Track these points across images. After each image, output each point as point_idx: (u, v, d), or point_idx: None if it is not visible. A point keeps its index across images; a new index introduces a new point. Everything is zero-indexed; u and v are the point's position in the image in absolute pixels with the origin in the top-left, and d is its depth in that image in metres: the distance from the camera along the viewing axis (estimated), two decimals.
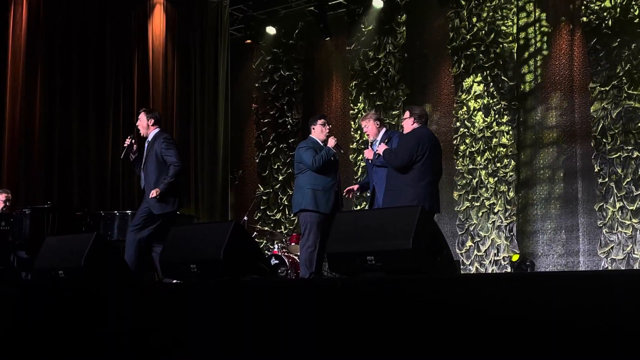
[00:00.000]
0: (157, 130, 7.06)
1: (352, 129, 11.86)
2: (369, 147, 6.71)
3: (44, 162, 10.58)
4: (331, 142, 6.71)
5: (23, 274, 8.10)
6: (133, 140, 7.01)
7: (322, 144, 6.80)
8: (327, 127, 6.90)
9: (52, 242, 5.48)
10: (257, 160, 12.91)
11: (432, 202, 6.06)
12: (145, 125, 7.04)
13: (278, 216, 12.46)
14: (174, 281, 5.13)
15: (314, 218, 6.57)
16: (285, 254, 9.29)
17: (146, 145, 7.03)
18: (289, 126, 12.63)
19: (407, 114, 6.38)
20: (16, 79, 10.35)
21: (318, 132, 6.86)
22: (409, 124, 6.32)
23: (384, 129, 6.75)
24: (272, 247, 10.42)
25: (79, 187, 10.93)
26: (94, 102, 11.20)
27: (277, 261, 9.16)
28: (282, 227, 12.34)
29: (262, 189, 12.59)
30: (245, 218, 10.06)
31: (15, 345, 4.84)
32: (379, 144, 6.52)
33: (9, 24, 10.37)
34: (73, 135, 10.91)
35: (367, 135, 6.77)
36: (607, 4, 9.81)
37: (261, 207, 12.59)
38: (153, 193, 6.66)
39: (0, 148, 10.11)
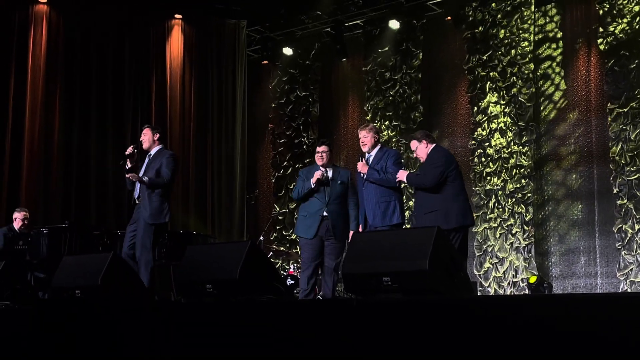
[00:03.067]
0: (161, 146, 7.21)
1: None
2: (362, 159, 6.56)
3: (62, 181, 10.66)
4: (315, 176, 6.69)
5: (40, 293, 8.11)
6: (136, 150, 7.07)
7: (321, 169, 6.77)
8: (324, 154, 6.80)
9: (69, 261, 5.50)
10: (273, 180, 12.94)
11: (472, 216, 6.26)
12: (150, 139, 7.15)
13: (294, 236, 12.44)
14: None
15: (301, 242, 6.85)
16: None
17: (147, 159, 7.12)
18: (304, 146, 12.66)
19: (414, 143, 6.36)
20: (35, 98, 10.46)
21: (317, 158, 6.86)
22: (423, 149, 6.29)
23: (379, 145, 6.68)
24: (287, 267, 10.41)
25: (97, 206, 11.00)
26: (112, 121, 11.28)
27: (292, 281, 9.15)
28: (298, 247, 12.31)
29: (277, 209, 12.59)
30: (261, 238, 10.06)
31: None
32: (372, 158, 6.54)
33: (29, 44, 10.51)
34: (91, 154, 10.99)
35: (363, 145, 6.64)
36: (625, 25, 9.79)
37: (277, 227, 12.58)
38: (136, 177, 6.80)
39: (19, 167, 10.20)
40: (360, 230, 6.56)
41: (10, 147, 10.20)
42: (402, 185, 6.74)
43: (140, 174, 6.94)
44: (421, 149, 6.28)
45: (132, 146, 7.12)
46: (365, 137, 6.63)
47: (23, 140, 10.29)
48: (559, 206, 10.26)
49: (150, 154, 7.11)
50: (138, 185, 6.93)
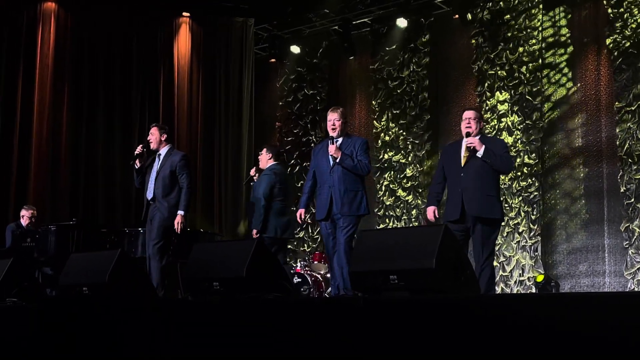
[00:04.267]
0: (169, 146, 7.28)
1: (375, 148, 11.85)
2: (334, 142, 6.24)
3: (70, 179, 10.70)
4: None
5: (48, 290, 8.15)
6: (145, 150, 7.14)
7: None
8: (263, 155, 7.49)
9: (76, 259, 5.52)
10: None
11: None
12: (158, 139, 7.19)
13: (301, 234, 12.46)
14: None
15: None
16: (308, 272, 9.28)
17: (158, 159, 7.17)
18: (312, 144, 12.66)
19: (473, 113, 6.02)
20: (43, 97, 10.50)
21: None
22: (478, 126, 6.00)
23: (346, 132, 6.46)
24: (294, 265, 10.42)
25: (104, 204, 11.03)
26: (120, 120, 11.32)
27: (299, 279, 9.15)
28: (305, 245, 12.33)
29: None
30: None
31: None
32: (340, 144, 6.26)
33: (37, 43, 10.53)
34: (99, 152, 11.03)
35: (333, 129, 6.33)
36: (634, 24, 9.76)
37: None
38: (178, 219, 6.92)
39: (27, 165, 10.24)
40: (302, 216, 6.41)
41: (19, 145, 10.24)
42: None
43: (153, 175, 7.03)
44: (474, 124, 5.96)
45: (140, 146, 7.18)
46: (337, 121, 6.36)
47: (31, 138, 10.33)
48: (566, 205, 10.22)
49: (160, 154, 7.15)
50: (152, 185, 7.03)
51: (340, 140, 6.34)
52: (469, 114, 6.04)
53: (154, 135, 7.19)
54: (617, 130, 9.76)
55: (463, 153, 5.97)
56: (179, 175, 7.02)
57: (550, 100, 10.51)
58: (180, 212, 6.92)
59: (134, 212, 11.08)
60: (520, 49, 10.63)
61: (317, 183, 6.45)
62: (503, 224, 10.38)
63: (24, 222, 9.08)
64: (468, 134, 5.94)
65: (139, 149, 7.12)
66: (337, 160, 6.19)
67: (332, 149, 6.21)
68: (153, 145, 7.17)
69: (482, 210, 5.79)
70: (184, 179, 7.03)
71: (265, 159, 7.81)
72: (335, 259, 6.22)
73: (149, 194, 7.03)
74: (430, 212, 6.08)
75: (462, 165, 5.91)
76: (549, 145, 10.45)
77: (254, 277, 4.34)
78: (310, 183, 6.49)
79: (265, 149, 7.93)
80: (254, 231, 7.43)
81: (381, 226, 11.51)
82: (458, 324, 3.28)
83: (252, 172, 7.94)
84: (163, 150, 7.17)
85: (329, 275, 9.59)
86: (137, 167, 7.14)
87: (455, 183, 5.92)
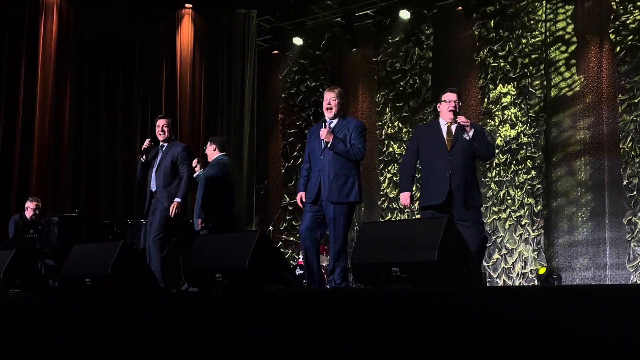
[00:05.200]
0: (172, 137, 7.35)
1: (378, 141, 11.85)
2: (325, 126, 5.89)
3: (72, 171, 10.70)
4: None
5: (50, 281, 8.17)
6: (152, 144, 7.17)
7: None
8: (208, 148, 7.52)
9: (79, 250, 5.53)
10: (283, 171, 12.95)
11: None
12: (168, 131, 7.23)
13: None
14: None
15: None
16: None
17: (160, 150, 7.20)
18: None
19: (456, 96, 5.83)
20: (46, 89, 10.49)
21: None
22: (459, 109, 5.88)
23: (342, 113, 6.08)
24: (297, 257, 10.43)
25: (107, 195, 11.04)
26: (122, 111, 11.32)
27: (302, 271, 9.16)
28: None
29: (287, 199, 12.60)
30: (271, 228, 10.08)
31: (41, 351, 4.87)
32: (334, 126, 5.94)
33: (39, 34, 10.51)
34: (101, 144, 11.03)
35: (329, 109, 5.97)
36: (637, 16, 9.73)
37: (287, 217, 12.60)
38: (174, 204, 6.92)
39: (30, 157, 10.24)
40: (302, 200, 6.02)
41: (21, 136, 10.23)
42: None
43: (155, 166, 7.08)
44: (458, 106, 5.84)
45: (148, 140, 7.20)
46: (334, 100, 5.98)
47: (33, 130, 10.32)
48: (568, 198, 10.22)
49: (163, 146, 7.21)
50: (154, 178, 7.07)
51: (334, 122, 5.99)
52: (451, 96, 5.85)
53: (167, 127, 7.21)
54: (620, 123, 9.74)
55: (446, 136, 5.79)
56: (180, 165, 7.07)
57: (553, 92, 10.50)
58: (177, 199, 6.94)
59: (136, 204, 11.09)
60: (524, 41, 10.60)
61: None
62: (505, 216, 10.41)
63: (28, 213, 9.10)
64: (456, 114, 5.78)
65: (146, 143, 7.15)
66: (329, 145, 5.86)
67: (323, 132, 5.87)
68: (161, 137, 7.19)
69: (471, 197, 5.70)
70: (185, 169, 7.07)
71: (211, 151, 7.79)
72: (331, 253, 5.93)
73: (153, 187, 7.06)
74: (406, 197, 5.88)
75: (449, 148, 5.73)
76: (551, 138, 10.44)
77: (256, 269, 4.35)
78: (307, 165, 6.16)
79: (209, 142, 7.90)
80: (199, 220, 7.44)
81: (385, 218, 11.51)
82: (460, 316, 3.28)
83: (194, 163, 7.87)
84: (166, 142, 7.21)
85: None
86: (143, 161, 7.16)
87: (440, 166, 5.71)
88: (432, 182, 5.76)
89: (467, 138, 5.69)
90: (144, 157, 7.18)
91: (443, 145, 5.75)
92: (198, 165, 7.35)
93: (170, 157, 7.07)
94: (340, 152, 5.85)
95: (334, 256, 5.83)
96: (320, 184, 5.88)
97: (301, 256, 9.76)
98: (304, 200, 6.08)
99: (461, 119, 5.73)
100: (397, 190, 11.62)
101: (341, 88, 6.29)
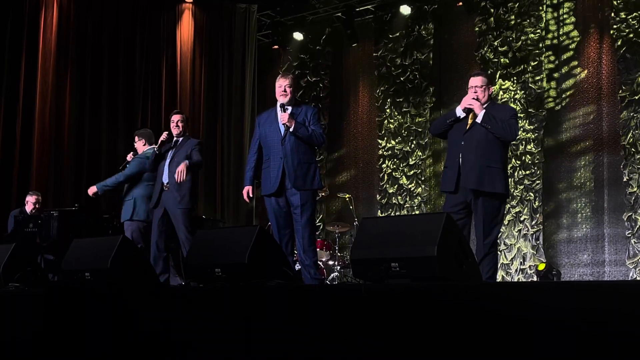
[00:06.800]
0: (186, 133, 7.37)
1: (378, 136, 11.85)
2: (284, 110, 5.77)
3: (72, 164, 10.69)
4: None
5: (50, 276, 8.17)
6: (168, 137, 7.22)
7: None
8: (137, 144, 7.60)
9: (79, 244, 5.53)
10: None
11: None
12: (183, 126, 7.25)
13: None
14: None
15: None
16: None
17: (175, 144, 7.23)
18: None
19: (482, 79, 5.54)
20: (46, 82, 10.47)
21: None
22: (487, 93, 5.54)
23: (295, 100, 5.99)
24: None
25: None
26: (123, 105, 11.31)
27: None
28: None
29: None
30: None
31: (41, 346, 4.88)
32: (290, 112, 5.80)
33: (40, 27, 10.50)
34: (102, 138, 11.03)
35: (283, 95, 5.85)
36: (637, 12, 9.72)
37: None
38: (182, 167, 6.82)
39: (30, 151, 10.23)
40: (249, 193, 5.91)
41: (21, 130, 10.22)
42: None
43: (168, 160, 7.10)
44: (485, 91, 5.54)
45: (165, 133, 7.25)
46: (289, 87, 5.86)
47: (34, 124, 10.31)
48: (568, 194, 10.23)
49: (177, 141, 7.25)
50: (167, 171, 7.07)
51: (289, 108, 5.85)
52: (476, 81, 5.56)
53: (180, 122, 7.23)
54: (620, 119, 9.74)
55: (468, 120, 5.54)
56: (193, 153, 7.06)
57: (553, 88, 10.50)
58: (186, 162, 6.92)
59: None
60: (524, 37, 10.60)
61: (262, 156, 5.94)
62: (504, 211, 10.40)
63: (28, 207, 9.10)
64: (477, 101, 5.51)
65: (164, 136, 7.19)
66: (291, 129, 5.70)
67: (284, 117, 5.72)
68: (176, 132, 7.22)
69: (480, 183, 5.34)
70: (197, 156, 7.07)
71: (141, 146, 7.81)
72: (297, 247, 5.86)
73: (165, 179, 7.07)
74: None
75: (463, 133, 5.49)
76: (551, 134, 10.44)
77: (256, 263, 4.35)
78: (255, 157, 5.95)
79: (136, 137, 7.91)
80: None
81: (384, 214, 11.52)
82: (460, 311, 3.29)
83: (129, 157, 7.86)
84: (180, 137, 7.24)
85: (330, 262, 9.62)
86: (157, 153, 7.18)
87: (454, 152, 5.51)
88: (448, 167, 5.59)
89: (478, 122, 5.45)
90: (160, 150, 7.19)
91: (461, 131, 5.53)
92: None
93: (184, 151, 7.09)
94: (303, 137, 5.74)
95: (306, 243, 5.81)
96: (285, 172, 5.72)
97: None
98: (250, 195, 5.98)
99: (466, 100, 5.49)
100: (396, 186, 11.63)
101: (294, 75, 6.24)
